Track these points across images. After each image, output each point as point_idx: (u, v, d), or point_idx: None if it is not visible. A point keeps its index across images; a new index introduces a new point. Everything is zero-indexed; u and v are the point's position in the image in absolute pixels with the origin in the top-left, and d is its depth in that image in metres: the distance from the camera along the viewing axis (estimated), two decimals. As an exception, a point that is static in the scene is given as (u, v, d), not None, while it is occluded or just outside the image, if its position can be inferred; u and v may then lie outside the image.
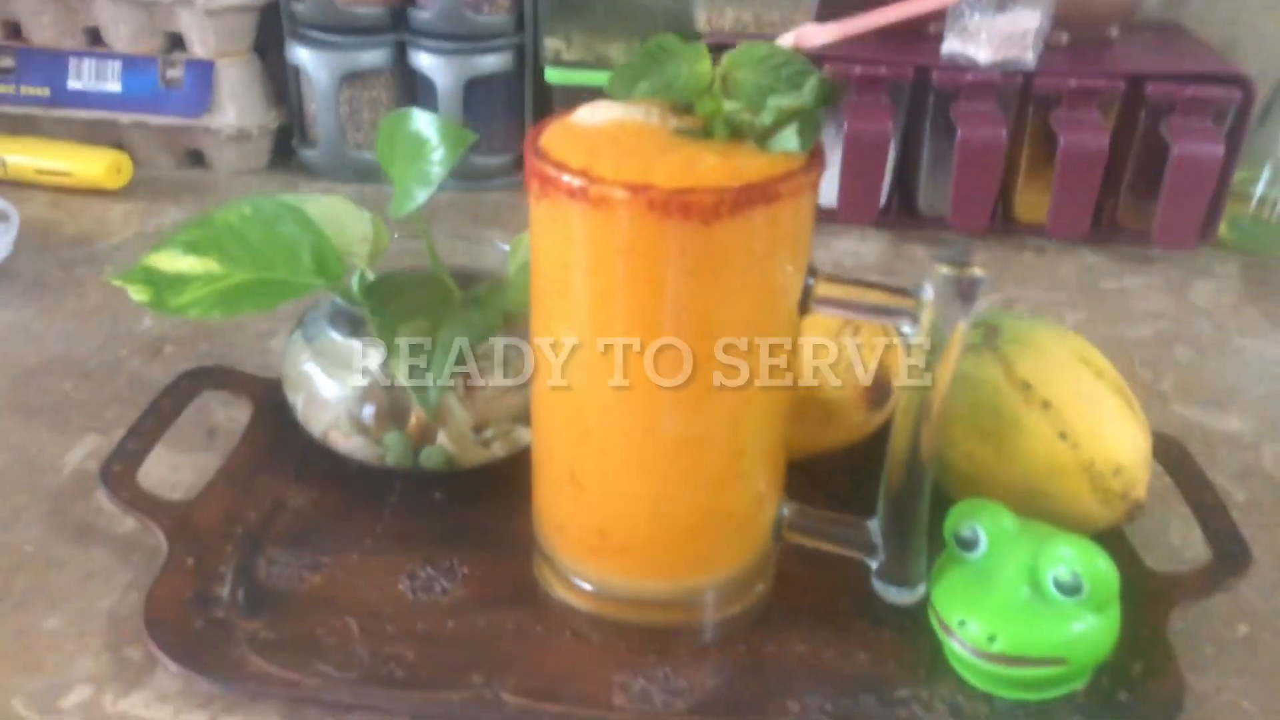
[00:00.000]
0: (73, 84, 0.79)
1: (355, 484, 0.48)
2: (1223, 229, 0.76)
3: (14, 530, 0.46)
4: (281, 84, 0.82)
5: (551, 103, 0.80)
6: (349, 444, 0.47)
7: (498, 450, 0.48)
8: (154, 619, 0.40)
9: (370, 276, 0.47)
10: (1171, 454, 0.49)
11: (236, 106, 0.79)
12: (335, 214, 0.48)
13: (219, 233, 0.46)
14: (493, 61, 0.78)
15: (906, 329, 0.37)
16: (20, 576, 0.44)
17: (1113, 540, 0.44)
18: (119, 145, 0.80)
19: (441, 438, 0.47)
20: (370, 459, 0.47)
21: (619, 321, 0.36)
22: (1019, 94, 0.74)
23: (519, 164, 0.82)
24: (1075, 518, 0.43)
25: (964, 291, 0.35)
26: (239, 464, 0.49)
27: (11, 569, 0.44)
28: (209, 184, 0.81)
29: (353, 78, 0.78)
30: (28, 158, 0.77)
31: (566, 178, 0.34)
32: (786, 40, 0.39)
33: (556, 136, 0.36)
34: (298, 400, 0.48)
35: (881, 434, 0.48)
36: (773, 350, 0.37)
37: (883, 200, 0.77)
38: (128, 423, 0.50)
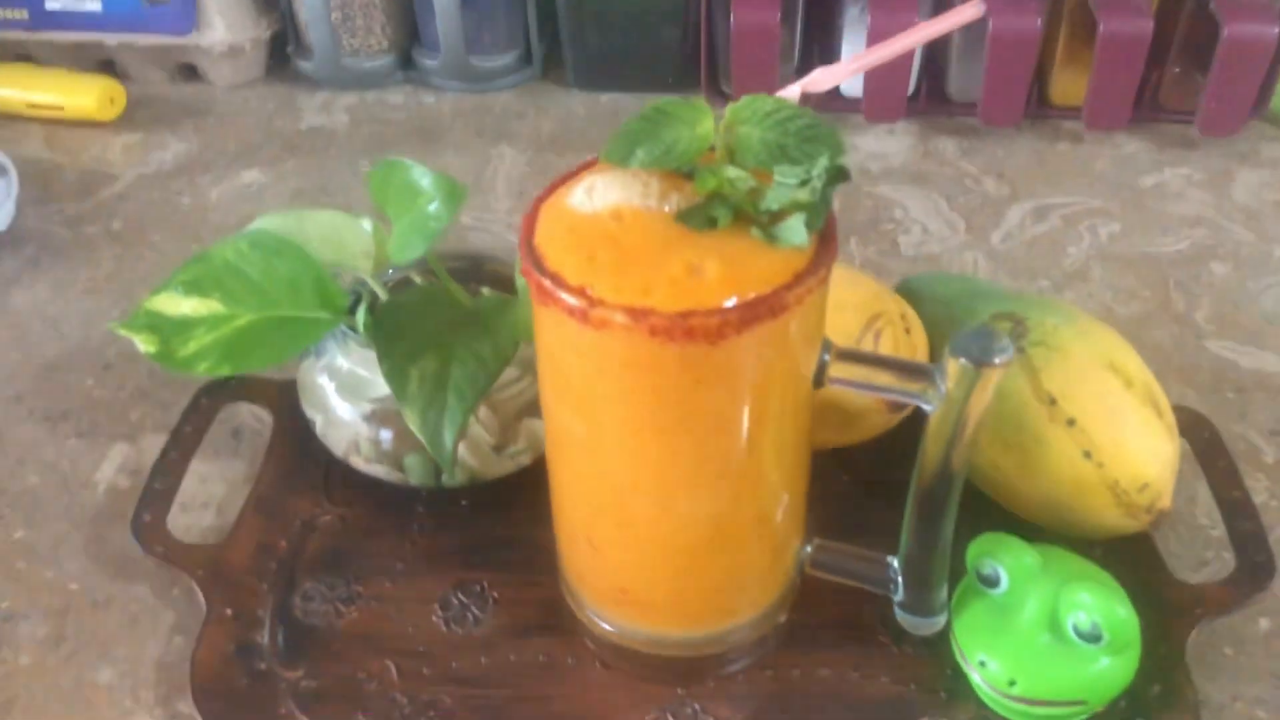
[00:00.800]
0: (50, 4, 0.75)
1: (382, 497, 0.49)
2: (1275, 102, 0.71)
3: (59, 565, 0.47)
4: (269, -12, 0.78)
5: (555, -3, 0.75)
6: (370, 468, 0.47)
7: (524, 460, 0.48)
8: (200, 684, 0.42)
9: (376, 290, 0.46)
10: (1202, 436, 0.49)
11: (225, 21, 0.75)
12: (334, 230, 0.47)
13: (218, 270, 0.44)
14: (490, -43, 0.73)
15: (926, 406, 0.36)
16: (70, 621, 0.45)
17: (1136, 541, 0.45)
18: (108, 66, 0.77)
19: (463, 452, 0.47)
20: (393, 480, 0.48)
21: (627, 423, 0.35)
22: (1057, -28, 0.68)
23: (523, 60, 0.78)
24: (1099, 528, 0.43)
25: (983, 383, 0.34)
26: (266, 485, 0.49)
27: (61, 611, 0.46)
28: (206, 102, 0.78)
29: (343, -17, 0.74)
30: (18, 91, 0.74)
31: (565, 296, 0.32)
32: (792, 91, 0.36)
33: (552, 231, 0.34)
34: (316, 418, 0.48)
35: (906, 422, 0.47)
36: (790, 427, 0.37)
37: (911, 87, 0.73)
38: (154, 425, 0.50)
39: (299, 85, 0.79)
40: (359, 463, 0.48)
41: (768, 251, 0.33)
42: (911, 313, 0.47)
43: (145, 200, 0.68)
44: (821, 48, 0.75)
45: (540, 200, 0.36)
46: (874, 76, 0.70)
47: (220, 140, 0.73)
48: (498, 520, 0.48)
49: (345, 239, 0.47)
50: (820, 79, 0.36)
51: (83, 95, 0.73)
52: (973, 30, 0.70)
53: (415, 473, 0.47)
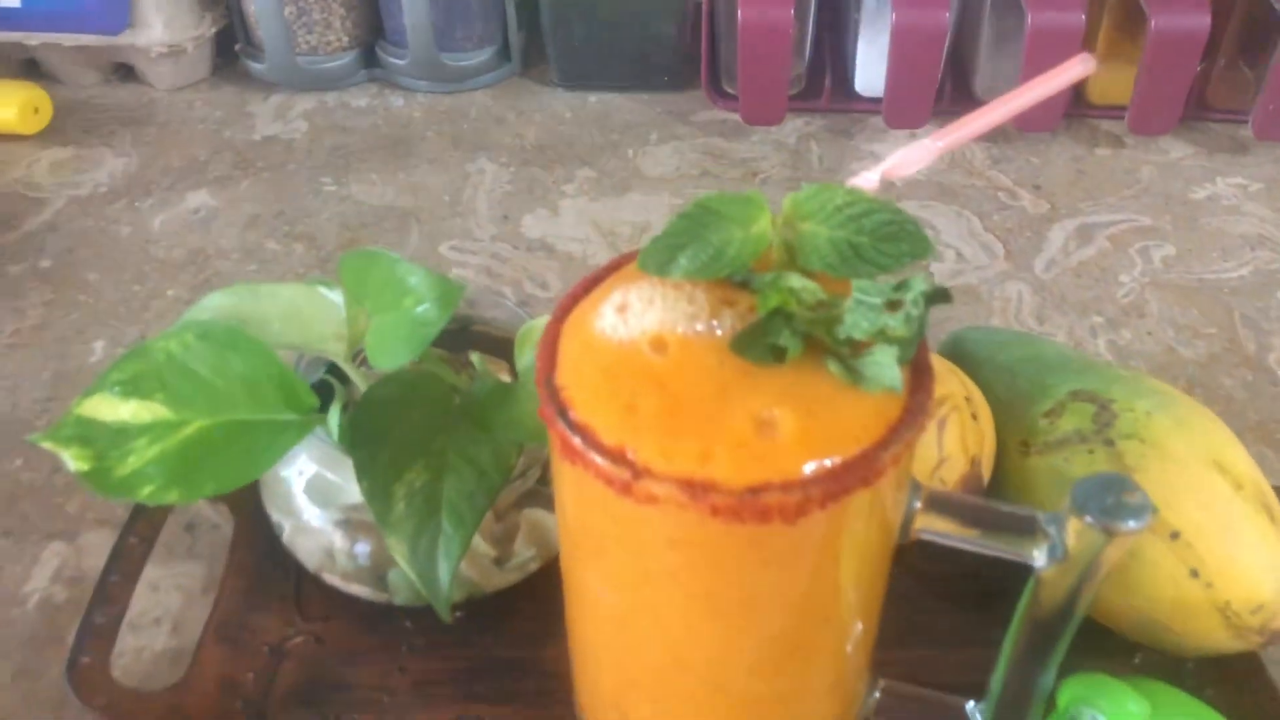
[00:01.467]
0: (-39, -1, 0.66)
1: (364, 609, 0.42)
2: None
3: (-18, 706, 0.40)
4: (212, -23, 0.69)
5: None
6: (348, 586, 0.41)
7: (531, 568, 0.41)
8: None
9: (353, 378, 0.39)
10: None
11: (163, 17, 0.66)
12: (295, 308, 0.40)
13: (160, 366, 0.37)
14: (463, -57, 0.65)
15: (1035, 564, 0.29)
16: (-3, 782, 0.39)
17: (1243, 662, 0.39)
18: (31, 69, 0.68)
19: (460, 565, 0.40)
20: (376, 600, 0.41)
21: (673, 603, 0.28)
22: (1101, -41, 0.61)
23: (501, 56, 0.70)
24: (1200, 649, 0.38)
25: (1113, 548, 0.28)
26: (228, 604, 0.42)
27: (-15, 768, 0.39)
28: (146, 108, 0.69)
29: (296, -26, 0.65)
30: (-71, 101, 0.65)
31: (600, 460, 0.26)
32: (870, 179, 0.29)
33: (579, 368, 0.27)
34: (283, 524, 0.41)
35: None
36: (869, 589, 0.30)
37: (935, 83, 0.65)
38: (96, 518, 0.43)
39: (250, 87, 0.70)
40: (334, 579, 0.41)
41: (851, 395, 0.26)
42: (978, 394, 0.41)
43: (78, 231, 0.60)
44: (834, 44, 0.68)
45: (559, 319, 0.29)
46: (898, 75, 0.63)
47: (163, 155, 0.65)
48: (501, 638, 0.41)
49: (311, 318, 0.40)
50: (905, 162, 0.29)
51: (2, 104, 0.64)
52: (1005, 22, 0.63)
53: (401, 592, 0.40)
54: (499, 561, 0.40)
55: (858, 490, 0.26)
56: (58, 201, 0.62)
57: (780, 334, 0.27)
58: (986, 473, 0.40)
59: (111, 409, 0.37)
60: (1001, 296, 0.56)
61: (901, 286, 0.27)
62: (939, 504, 0.29)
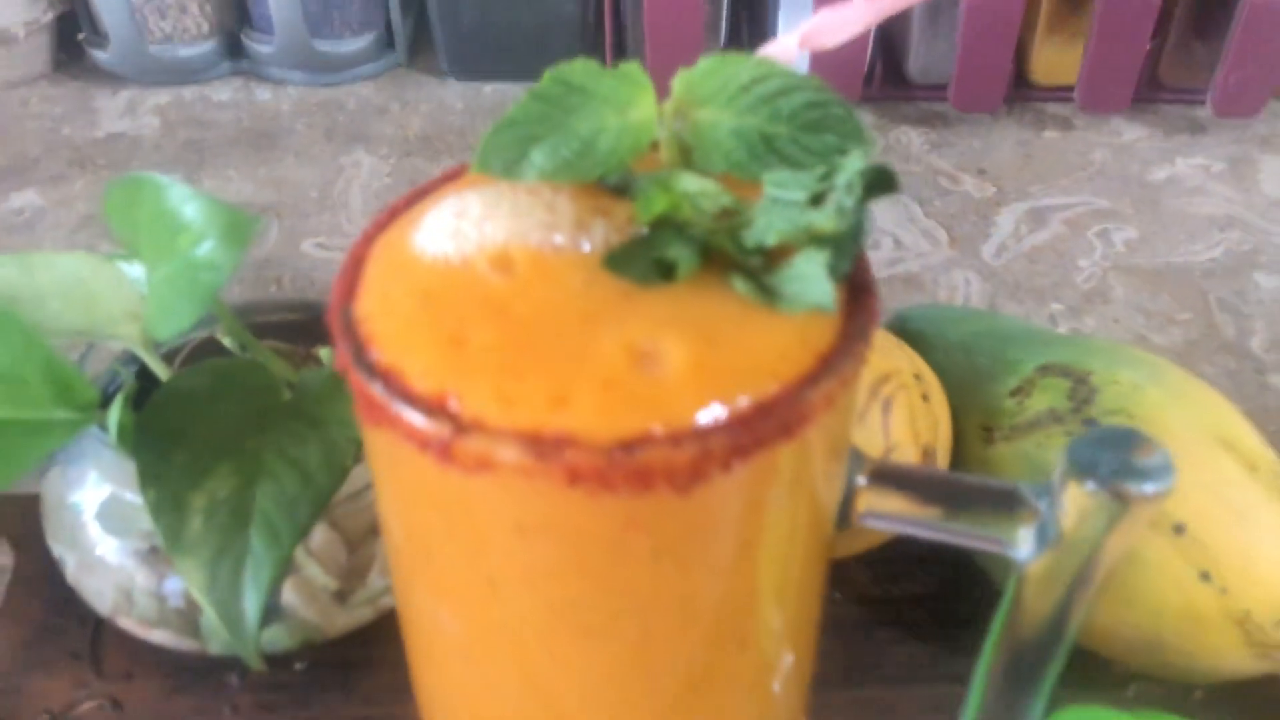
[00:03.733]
0: None
1: (177, 663, 0.33)
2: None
3: None
4: (51, -43, 0.61)
5: (419, -39, 0.60)
6: (150, 634, 0.32)
7: (385, 603, 0.33)
8: None
9: (154, 368, 0.31)
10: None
11: (-11, -1, 0.58)
12: (78, 282, 0.31)
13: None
14: (333, -87, 0.57)
15: (1019, 554, 0.22)
16: None
17: (1265, 688, 0.32)
18: None
19: (294, 602, 0.32)
20: (188, 650, 0.32)
21: (527, 621, 0.20)
22: (1040, -79, 0.55)
23: (384, 44, 0.63)
24: (1212, 671, 0.30)
25: (1129, 522, 0.20)
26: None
27: None
28: (-28, 107, 0.61)
29: (144, -52, 0.58)
30: None
31: (410, 414, 0.18)
32: (787, 45, 0.22)
33: (388, 292, 0.20)
34: (66, 559, 0.33)
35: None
36: (796, 596, 0.22)
37: (864, 66, 0.59)
38: None
39: (96, 82, 0.62)
40: (131, 625, 0.32)
41: (765, 318, 0.19)
42: (929, 372, 0.34)
43: None
44: (752, 23, 0.61)
45: (368, 238, 0.21)
46: (818, 61, 0.57)
47: (-13, 152, 0.57)
48: (351, 695, 0.33)
49: (98, 294, 0.31)
50: (829, 25, 0.22)
51: None
52: (938, -4, 0.57)
53: (219, 638, 0.32)
54: (342, 596, 0.32)
55: (776, 444, 0.18)
56: None
57: (670, 247, 0.20)
58: (943, 463, 0.33)
59: None
60: (948, 285, 0.49)
61: (828, 174, 0.20)
62: (888, 477, 0.22)
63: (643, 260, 0.20)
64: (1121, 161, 0.57)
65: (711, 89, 0.21)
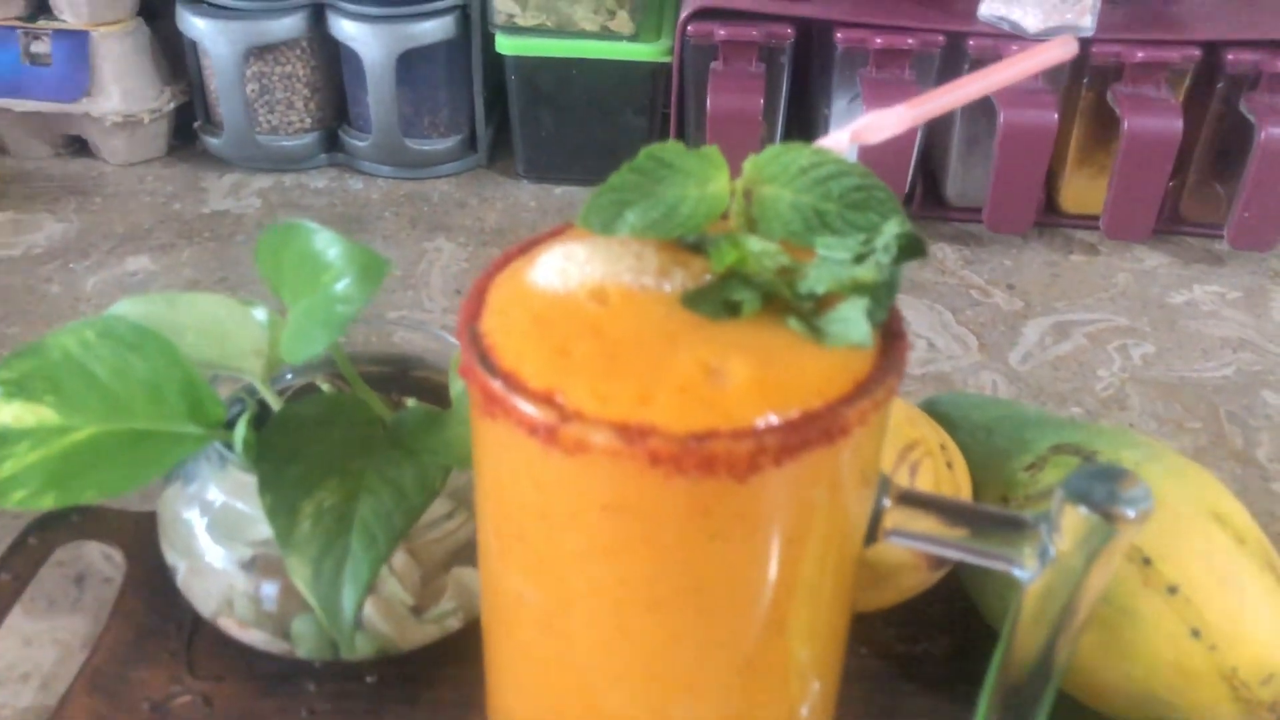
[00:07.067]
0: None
1: (262, 670, 0.37)
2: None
3: None
4: (178, 55, 0.68)
5: (505, 74, 0.66)
6: (246, 634, 0.36)
7: (452, 624, 0.37)
8: None
9: (267, 398, 0.35)
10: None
11: (121, 88, 0.65)
12: (214, 320, 0.36)
13: (55, 366, 0.33)
14: (431, 28, 0.64)
15: (1022, 574, 0.26)
16: None
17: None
18: (-19, 134, 0.66)
19: (372, 614, 0.36)
20: (278, 652, 0.36)
21: (604, 592, 0.24)
22: (1072, 64, 0.61)
23: (467, 146, 0.69)
24: (1204, 726, 0.33)
25: (1114, 543, 0.24)
26: (107, 652, 0.37)
27: None
28: (95, 180, 0.67)
29: (261, 51, 0.64)
30: None
31: (523, 404, 0.22)
32: (839, 139, 0.27)
33: (506, 314, 0.24)
34: (178, 566, 0.37)
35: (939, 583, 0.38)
36: (830, 600, 0.26)
37: (905, 187, 0.64)
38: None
39: (206, 165, 0.68)
40: (231, 626, 0.36)
41: (814, 351, 0.23)
42: (953, 445, 0.37)
43: (3, 286, 0.57)
44: (802, 137, 0.67)
45: (489, 275, 0.26)
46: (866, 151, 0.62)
47: (106, 222, 0.62)
48: (418, 705, 0.37)
49: (230, 332, 0.36)
50: (876, 125, 0.26)
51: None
52: (979, 126, 0.62)
53: (305, 642, 0.36)
54: (417, 611, 0.36)
55: (819, 447, 0.22)
56: (-12, 262, 0.59)
57: (737, 291, 0.24)
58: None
59: (-8, 411, 0.33)
60: (976, 385, 0.53)
61: (869, 239, 0.24)
62: (912, 501, 0.26)
63: (714, 300, 0.24)
64: (1142, 285, 0.61)
65: (775, 170, 0.26)
